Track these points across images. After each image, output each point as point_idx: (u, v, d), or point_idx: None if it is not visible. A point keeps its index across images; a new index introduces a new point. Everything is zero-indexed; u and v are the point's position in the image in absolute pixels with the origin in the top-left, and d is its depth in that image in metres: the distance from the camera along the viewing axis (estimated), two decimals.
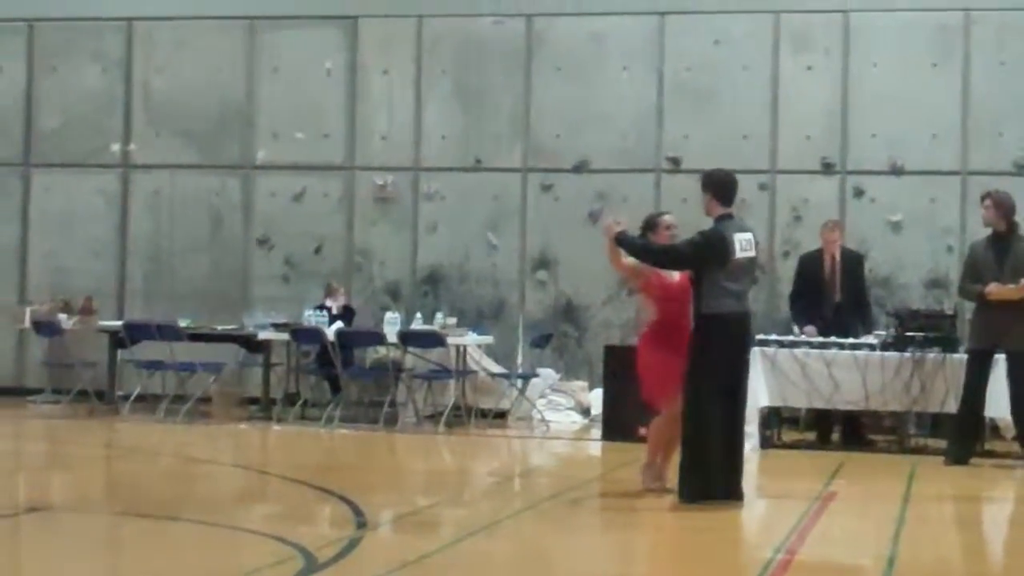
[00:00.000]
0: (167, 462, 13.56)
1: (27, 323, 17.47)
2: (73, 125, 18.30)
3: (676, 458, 10.84)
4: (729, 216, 10.82)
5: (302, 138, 17.82)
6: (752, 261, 10.88)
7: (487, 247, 17.37)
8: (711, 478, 10.57)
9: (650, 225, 11.24)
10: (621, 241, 10.81)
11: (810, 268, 15.06)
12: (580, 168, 17.13)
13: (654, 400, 11.00)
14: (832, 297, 14.85)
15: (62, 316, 17.27)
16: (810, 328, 14.52)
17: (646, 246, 10.96)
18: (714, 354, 10.59)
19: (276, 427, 15.72)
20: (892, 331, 14.23)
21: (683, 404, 10.64)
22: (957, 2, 16.38)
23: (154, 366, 16.43)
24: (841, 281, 14.88)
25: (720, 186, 10.92)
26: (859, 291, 15.05)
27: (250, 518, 10.40)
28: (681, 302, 10.89)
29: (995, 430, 14.11)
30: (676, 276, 10.99)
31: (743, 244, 10.68)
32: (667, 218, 11.24)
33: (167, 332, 16.25)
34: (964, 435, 13.31)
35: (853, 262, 15.09)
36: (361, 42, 17.80)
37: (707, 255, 10.65)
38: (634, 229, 11.09)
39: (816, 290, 14.90)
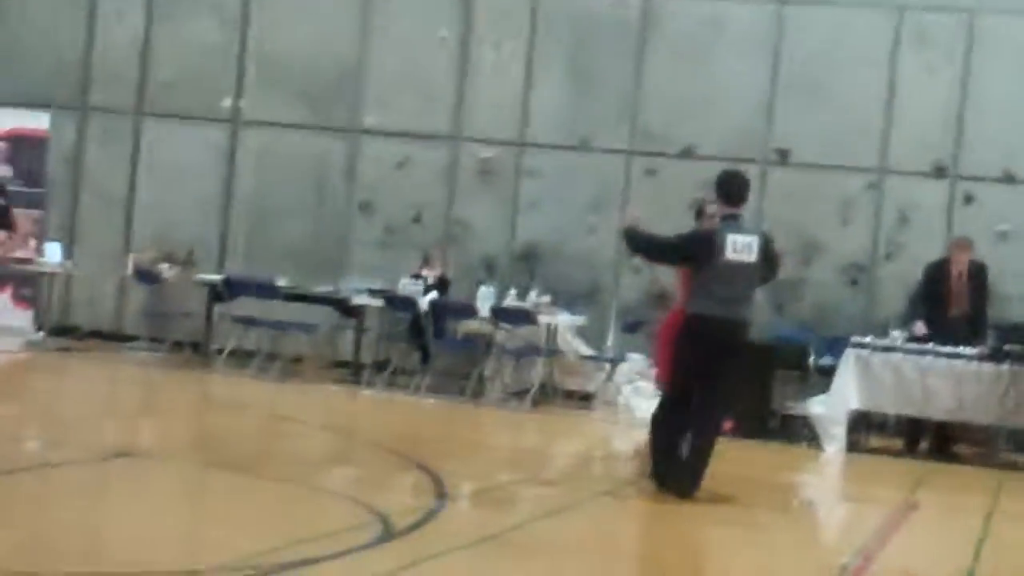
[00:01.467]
0: (256, 418, 13.67)
1: (129, 271, 17.66)
2: (187, 77, 18.41)
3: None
4: (733, 217, 10.62)
5: (410, 106, 17.83)
6: (751, 266, 10.54)
7: (586, 228, 17.30)
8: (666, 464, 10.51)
9: (699, 211, 11.20)
10: (627, 233, 10.81)
11: (936, 277, 14.81)
12: (686, 154, 17.01)
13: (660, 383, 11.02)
14: (956, 309, 14.62)
15: (164, 266, 17.45)
16: (919, 323, 14.31)
17: (638, 237, 10.87)
18: (686, 354, 10.50)
19: (365, 392, 15.78)
20: (991, 343, 14.03)
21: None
22: None
23: (250, 322, 16.54)
24: (967, 294, 14.65)
25: (722, 185, 10.72)
26: (981, 304, 14.80)
27: (332, 480, 10.47)
28: None
29: None
30: None
31: (738, 246, 10.46)
32: (712, 207, 11.06)
33: (264, 289, 16.36)
34: None
35: (979, 274, 14.84)
36: (475, 13, 17.75)
37: (690, 253, 10.59)
38: None
39: (939, 300, 14.67)
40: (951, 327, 14.43)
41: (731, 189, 10.69)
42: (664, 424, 10.58)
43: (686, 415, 10.53)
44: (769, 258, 10.74)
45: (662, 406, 10.69)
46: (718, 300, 10.43)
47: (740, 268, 10.48)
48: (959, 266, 14.69)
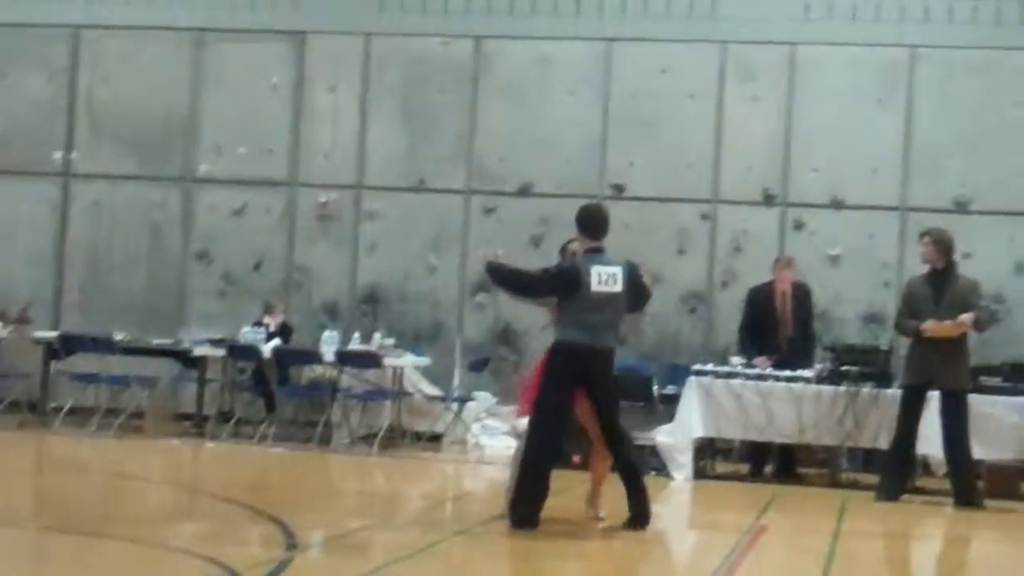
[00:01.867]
0: (97, 477, 13.44)
1: None
2: (16, 132, 18.13)
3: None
4: (597, 250, 10.81)
5: (245, 152, 17.75)
6: (617, 296, 10.74)
7: (427, 268, 17.34)
8: (538, 504, 10.63)
9: (562, 249, 11.34)
10: (489, 268, 10.93)
11: (760, 301, 15.03)
12: (524, 192, 17.13)
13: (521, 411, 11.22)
14: (784, 331, 14.83)
15: None
16: (761, 359, 14.53)
17: (502, 271, 11.06)
18: (552, 382, 10.69)
19: (209, 444, 15.62)
20: (828, 365, 14.30)
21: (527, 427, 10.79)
22: (903, 39, 16.50)
23: (88, 378, 16.28)
24: (792, 315, 14.89)
25: (582, 220, 10.93)
26: (807, 324, 15.07)
27: (179, 537, 10.31)
28: None
29: (927, 467, 14.19)
30: None
31: (603, 278, 10.67)
32: (575, 244, 11.20)
33: (102, 344, 16.14)
34: (896, 471, 13.36)
35: (803, 296, 15.09)
36: (308, 58, 17.74)
37: (557, 286, 10.76)
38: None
39: (768, 324, 14.87)
40: (780, 349, 14.67)
41: (591, 223, 10.90)
42: (534, 458, 10.64)
43: (557, 445, 10.74)
44: (636, 287, 10.94)
45: (534, 442, 10.74)
46: (584, 329, 10.64)
47: (606, 298, 10.69)
48: (783, 285, 14.94)
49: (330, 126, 17.70)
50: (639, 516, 10.78)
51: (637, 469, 11.00)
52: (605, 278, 10.68)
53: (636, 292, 10.98)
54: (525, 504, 10.62)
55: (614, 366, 11.00)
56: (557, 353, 10.75)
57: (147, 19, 17.95)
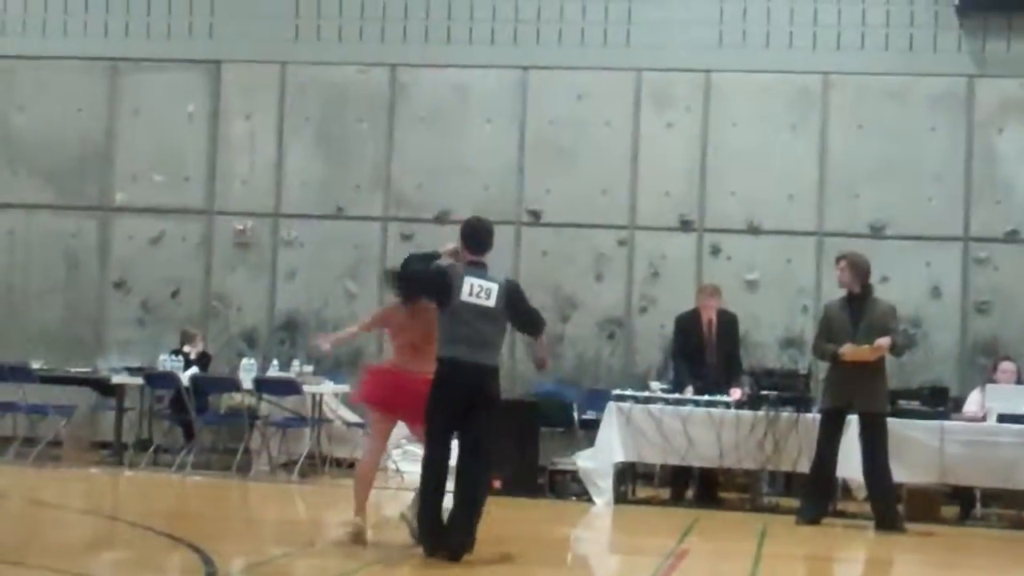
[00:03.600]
0: (14, 506, 13.28)
1: None
2: None
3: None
4: (476, 264, 10.65)
5: (161, 181, 17.68)
6: (490, 311, 10.50)
7: (346, 295, 17.32)
8: (431, 526, 10.53)
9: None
10: (387, 275, 10.96)
11: (688, 329, 15.06)
12: (441, 219, 17.15)
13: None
14: (710, 357, 14.88)
15: None
16: (690, 388, 14.58)
17: (402, 270, 11.13)
18: (439, 405, 10.51)
19: (128, 472, 15.50)
20: (747, 389, 14.39)
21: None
22: (816, 66, 16.70)
23: (4, 408, 16.11)
24: (718, 342, 14.96)
25: (467, 235, 10.80)
26: (733, 350, 15.12)
27: (98, 565, 10.24)
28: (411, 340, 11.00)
29: (847, 491, 14.30)
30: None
31: (475, 289, 10.48)
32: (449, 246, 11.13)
33: (19, 373, 15.99)
34: (816, 495, 13.46)
35: (729, 323, 15.13)
36: (224, 87, 17.72)
37: (426, 287, 10.69)
38: None
39: (695, 350, 14.93)
40: (707, 376, 14.75)
41: (474, 237, 10.74)
42: (425, 481, 10.57)
43: (444, 468, 10.55)
44: (517, 309, 10.68)
45: (424, 464, 10.68)
46: (462, 343, 10.44)
47: (478, 311, 10.46)
48: (708, 313, 15.02)
49: (247, 154, 17.67)
50: (451, 543, 10.45)
51: (476, 497, 10.58)
52: (477, 290, 10.45)
53: (520, 315, 10.74)
54: (428, 536, 10.52)
55: (498, 386, 10.70)
56: (440, 370, 10.50)
57: (63, 49, 17.87)
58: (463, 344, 10.43)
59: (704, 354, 14.87)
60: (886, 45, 16.63)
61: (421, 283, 10.81)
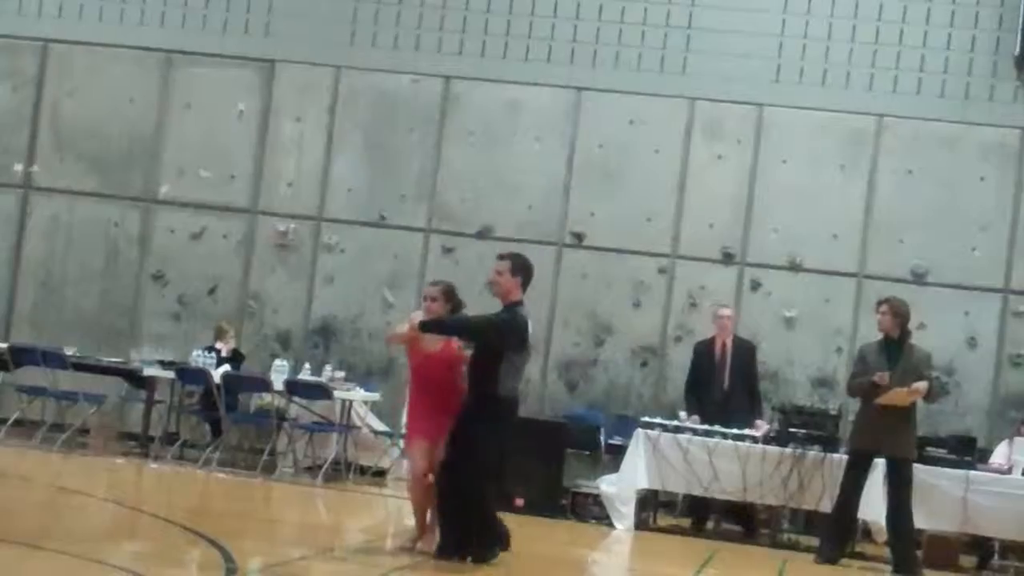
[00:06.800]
0: (39, 490, 13.33)
1: None
2: None
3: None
4: (521, 303, 10.91)
5: (207, 177, 17.71)
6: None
7: (383, 304, 17.32)
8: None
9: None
10: (426, 327, 10.88)
11: (702, 355, 15.11)
12: (483, 234, 17.14)
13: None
14: (721, 384, 14.89)
15: None
16: (694, 417, 14.54)
17: (445, 324, 11.04)
18: (496, 436, 10.74)
19: (153, 465, 15.52)
20: (775, 425, 14.33)
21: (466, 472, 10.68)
22: (871, 107, 16.63)
23: (35, 392, 16.17)
24: (731, 368, 14.94)
25: (528, 272, 11.03)
26: (750, 380, 15.11)
27: (118, 554, 10.24)
28: (440, 372, 11.03)
29: (867, 533, 14.22)
30: (439, 346, 11.05)
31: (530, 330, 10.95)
32: (432, 303, 11.21)
33: (52, 359, 16.03)
34: (837, 535, 13.40)
35: (744, 351, 15.15)
36: (276, 87, 17.75)
37: (510, 336, 10.79)
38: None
39: (707, 377, 14.95)
40: (719, 404, 14.70)
41: (529, 275, 11.04)
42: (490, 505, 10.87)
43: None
44: None
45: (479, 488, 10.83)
46: (520, 379, 10.92)
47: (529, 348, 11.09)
48: (723, 335, 14.99)
49: (294, 156, 17.69)
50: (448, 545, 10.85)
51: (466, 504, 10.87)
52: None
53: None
54: (487, 548, 10.75)
55: None
56: (503, 407, 10.73)
57: (118, 37, 17.93)
58: (520, 381, 11.01)
59: (714, 380, 14.82)
60: (942, 92, 16.54)
61: (499, 335, 10.79)
